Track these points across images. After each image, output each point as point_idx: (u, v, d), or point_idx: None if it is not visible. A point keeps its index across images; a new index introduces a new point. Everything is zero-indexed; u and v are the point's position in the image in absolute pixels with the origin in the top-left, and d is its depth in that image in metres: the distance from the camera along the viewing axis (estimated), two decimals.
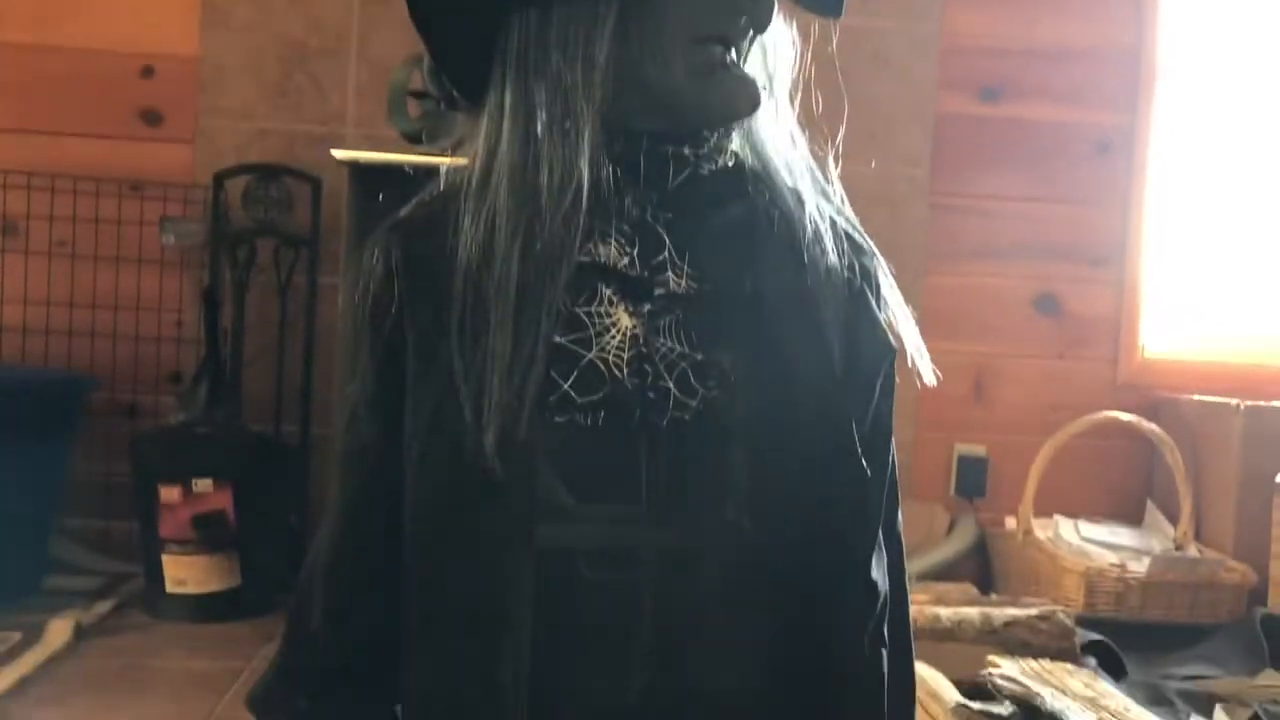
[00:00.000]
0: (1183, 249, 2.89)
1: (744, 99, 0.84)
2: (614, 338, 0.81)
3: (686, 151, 0.85)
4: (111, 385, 2.59)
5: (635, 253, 0.83)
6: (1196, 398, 2.69)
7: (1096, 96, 2.82)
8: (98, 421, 2.56)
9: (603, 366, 0.80)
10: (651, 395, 0.80)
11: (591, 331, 0.81)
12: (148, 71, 2.63)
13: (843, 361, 0.83)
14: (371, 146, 2.30)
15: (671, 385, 0.80)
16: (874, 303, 0.88)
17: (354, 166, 2.12)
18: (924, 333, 0.91)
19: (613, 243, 0.83)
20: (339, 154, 2.16)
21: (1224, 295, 2.91)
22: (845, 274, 0.86)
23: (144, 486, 2.32)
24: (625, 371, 0.80)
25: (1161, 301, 2.87)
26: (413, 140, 2.11)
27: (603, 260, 0.82)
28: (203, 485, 2.27)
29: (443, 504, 0.83)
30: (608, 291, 0.82)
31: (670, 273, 0.83)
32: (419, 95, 2.13)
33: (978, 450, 2.80)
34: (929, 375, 0.90)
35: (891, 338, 0.88)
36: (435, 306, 0.82)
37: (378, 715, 0.90)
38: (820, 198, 0.89)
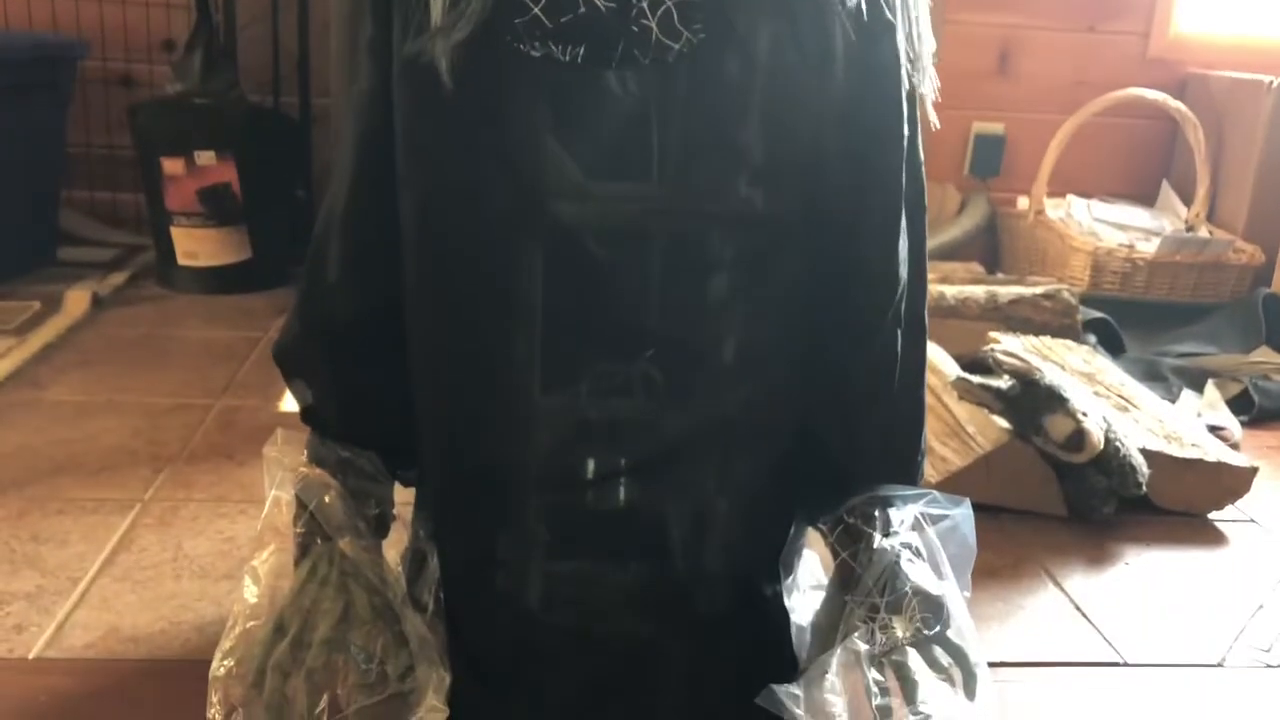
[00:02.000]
0: None
1: None
2: None
3: None
4: (103, 53, 2.49)
5: None
6: (1227, 74, 2.59)
7: None
8: (93, 91, 2.49)
9: None
10: (634, 29, 0.75)
11: None
12: None
13: (846, 40, 0.78)
14: None
15: (654, 25, 0.75)
16: None
17: None
18: (950, 4, 0.85)
19: None
20: None
21: None
22: None
23: (146, 159, 2.29)
24: None
25: None
26: None
27: None
28: (205, 158, 2.24)
29: (443, 168, 0.81)
30: None
31: None
32: None
33: (995, 129, 2.73)
34: (931, 116, 0.86)
35: (889, 14, 0.81)
36: None
37: (394, 373, 0.91)
38: None
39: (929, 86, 0.85)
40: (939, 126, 0.88)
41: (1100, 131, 2.60)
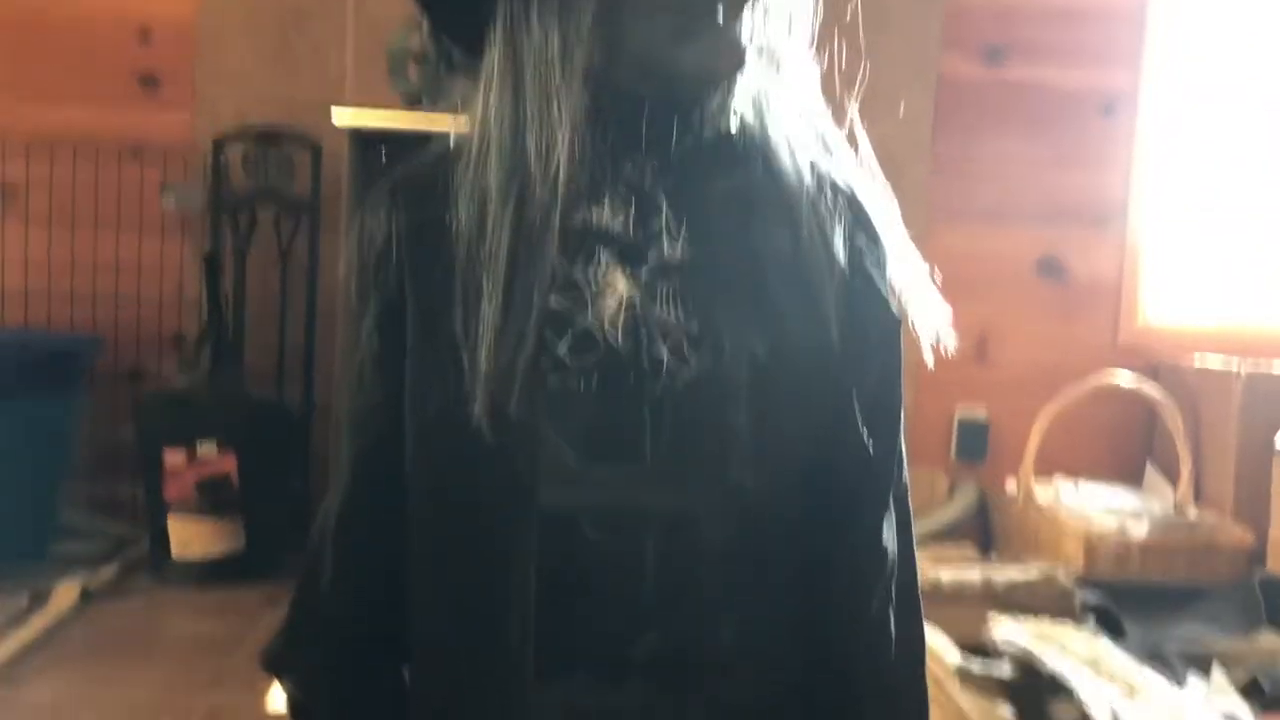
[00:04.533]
0: (1186, 211, 2.88)
1: (724, 59, 0.83)
2: (610, 302, 0.81)
3: (692, 118, 0.85)
4: (115, 349, 2.59)
5: (631, 217, 0.83)
6: (1197, 361, 2.69)
7: (1100, 58, 2.80)
8: (102, 385, 2.56)
9: (597, 330, 0.80)
10: (645, 363, 0.80)
11: (587, 294, 0.81)
12: (144, 35, 2.61)
13: (841, 331, 0.83)
14: (371, 110, 2.29)
15: (665, 355, 0.80)
16: (876, 272, 0.88)
17: (354, 130, 2.11)
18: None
19: (607, 206, 0.83)
20: (338, 115, 2.15)
21: (1226, 258, 2.91)
22: (845, 244, 0.86)
23: (148, 450, 2.33)
24: (619, 337, 0.80)
25: (1164, 264, 2.87)
26: (413, 103, 2.10)
27: (596, 224, 0.82)
28: (206, 449, 2.28)
29: (443, 468, 0.84)
30: (605, 255, 0.82)
31: (665, 239, 0.83)
32: (419, 58, 2.12)
33: (978, 413, 2.80)
34: (949, 343, 0.90)
35: (895, 306, 0.88)
36: (434, 274, 0.83)
37: (387, 675, 0.91)
38: (824, 165, 0.89)
39: (947, 335, 0.89)
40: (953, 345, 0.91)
41: (1081, 416, 2.67)
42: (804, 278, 0.83)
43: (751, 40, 0.85)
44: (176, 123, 2.61)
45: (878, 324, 0.87)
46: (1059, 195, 2.81)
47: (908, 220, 0.93)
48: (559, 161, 0.79)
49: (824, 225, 0.85)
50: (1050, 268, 2.83)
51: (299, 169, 2.56)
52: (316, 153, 2.54)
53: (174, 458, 2.28)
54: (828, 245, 0.85)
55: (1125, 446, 2.81)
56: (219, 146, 2.54)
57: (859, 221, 0.88)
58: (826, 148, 0.90)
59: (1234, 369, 2.54)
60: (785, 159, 0.86)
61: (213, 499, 2.29)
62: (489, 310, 0.79)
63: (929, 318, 0.90)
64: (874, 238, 0.89)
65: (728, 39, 0.83)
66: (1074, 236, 2.82)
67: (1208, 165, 2.88)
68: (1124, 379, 2.56)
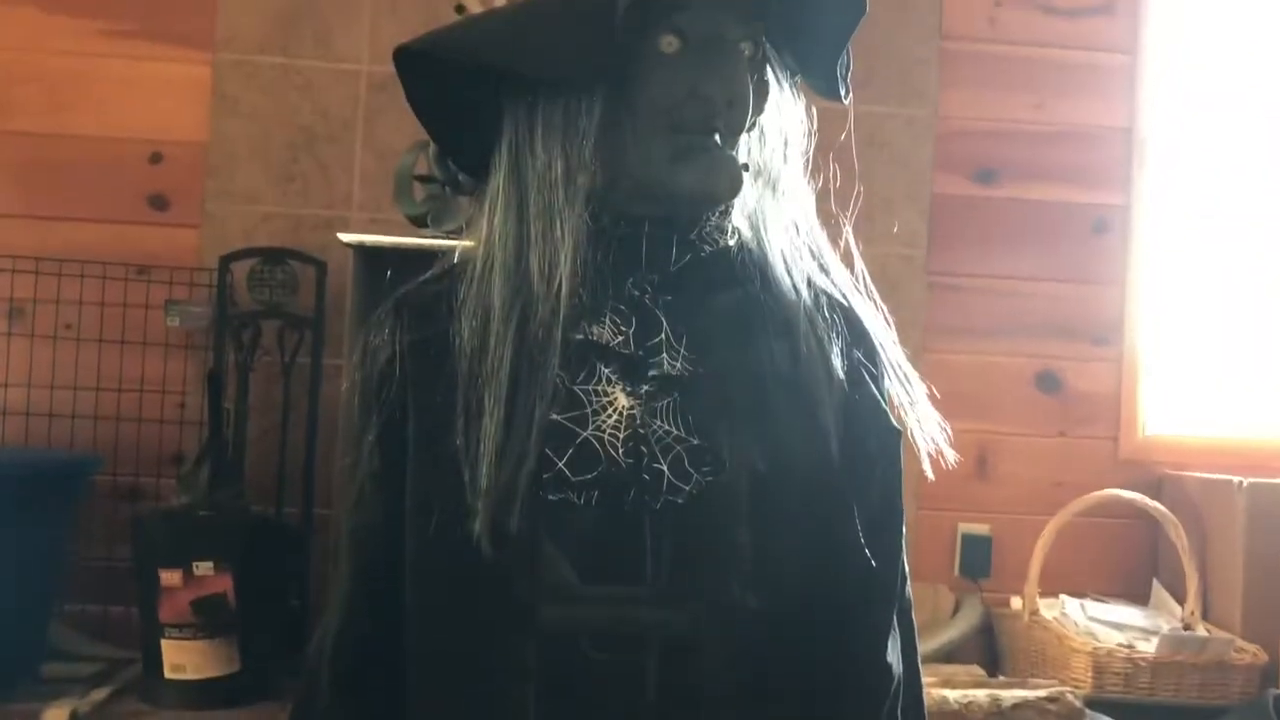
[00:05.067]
0: (1182, 325, 2.90)
1: (722, 181, 0.85)
2: (610, 416, 0.81)
3: (691, 236, 0.87)
4: (113, 467, 2.58)
5: (630, 333, 0.84)
6: (1199, 474, 2.68)
7: (1092, 177, 2.86)
8: (99, 504, 2.55)
9: (598, 445, 0.81)
10: (646, 477, 0.80)
11: (588, 409, 0.82)
12: (156, 157, 2.67)
13: (840, 446, 0.84)
14: (376, 230, 2.33)
15: (666, 469, 0.81)
16: (874, 386, 0.89)
17: (359, 249, 2.15)
18: None
19: (608, 322, 0.84)
20: (345, 237, 2.19)
21: (1224, 371, 2.92)
22: (842, 359, 0.87)
23: (144, 570, 2.30)
24: (620, 451, 0.81)
25: (1162, 378, 2.88)
26: (418, 224, 2.14)
27: (597, 339, 0.83)
28: (203, 568, 2.26)
29: (443, 585, 0.84)
30: (606, 370, 0.83)
31: (666, 354, 0.84)
32: (424, 180, 2.16)
33: (981, 529, 2.78)
34: (949, 454, 0.91)
35: (894, 419, 0.89)
36: (436, 391, 0.84)
37: None
38: (820, 282, 0.90)
39: (944, 447, 0.90)
40: (954, 458, 0.91)
41: (1083, 531, 2.66)
42: (803, 392, 0.84)
43: (748, 161, 0.88)
44: (184, 242, 2.66)
45: (877, 438, 0.88)
46: (1055, 310, 2.84)
47: (904, 336, 0.94)
48: (561, 279, 0.81)
49: (822, 340, 0.87)
50: (1049, 383, 2.84)
51: (303, 286, 2.59)
52: (321, 270, 2.58)
53: (170, 578, 2.25)
54: (826, 359, 0.86)
55: (1130, 562, 2.79)
56: (225, 264, 2.57)
57: (856, 336, 0.90)
58: (823, 265, 0.92)
59: (1236, 481, 2.53)
60: (782, 274, 0.88)
61: (208, 618, 2.25)
62: (490, 426, 0.80)
63: (928, 432, 0.91)
64: (871, 352, 0.90)
65: (725, 161, 0.85)
66: (1071, 351, 2.85)
67: (1203, 276, 2.92)
68: (1126, 494, 2.55)
